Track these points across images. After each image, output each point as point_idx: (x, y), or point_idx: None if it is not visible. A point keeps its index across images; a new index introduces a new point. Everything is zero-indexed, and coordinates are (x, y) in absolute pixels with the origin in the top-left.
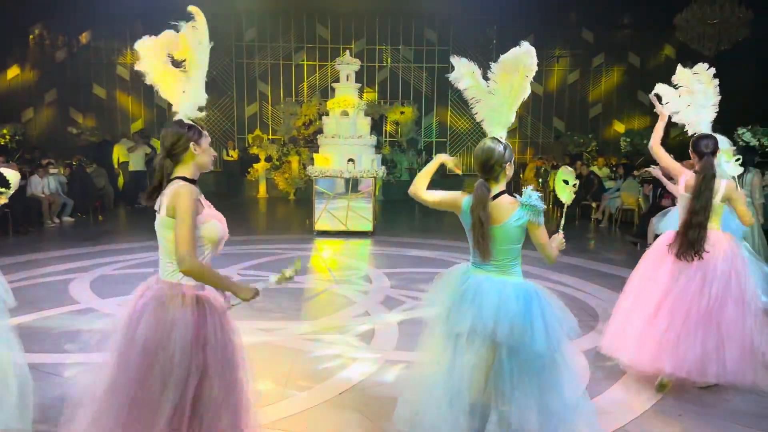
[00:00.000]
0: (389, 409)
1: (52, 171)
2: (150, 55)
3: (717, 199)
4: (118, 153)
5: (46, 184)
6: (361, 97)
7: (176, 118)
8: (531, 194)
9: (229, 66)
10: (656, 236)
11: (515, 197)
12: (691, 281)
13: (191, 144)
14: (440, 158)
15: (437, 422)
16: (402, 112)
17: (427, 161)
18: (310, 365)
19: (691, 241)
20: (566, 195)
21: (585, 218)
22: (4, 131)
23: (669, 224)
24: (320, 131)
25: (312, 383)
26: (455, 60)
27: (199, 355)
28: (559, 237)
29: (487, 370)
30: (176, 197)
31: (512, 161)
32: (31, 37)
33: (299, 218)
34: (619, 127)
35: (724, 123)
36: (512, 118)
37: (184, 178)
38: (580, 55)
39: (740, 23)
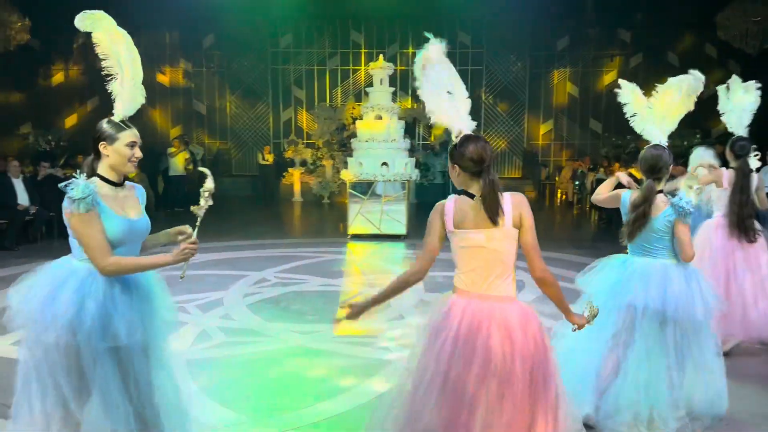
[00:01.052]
0: None
1: None
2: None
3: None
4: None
5: None
6: (394, 100)
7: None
8: (683, 197)
9: (265, 72)
10: None
11: (668, 197)
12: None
13: None
14: (617, 176)
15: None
16: None
17: None
18: (346, 368)
19: (746, 228)
20: (691, 196)
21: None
22: (49, 137)
23: None
24: (354, 135)
25: (348, 386)
26: (622, 82)
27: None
28: None
29: (653, 343)
30: (525, 206)
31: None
32: (75, 45)
33: (333, 221)
34: None
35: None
36: (673, 126)
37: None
38: (617, 55)
39: None
